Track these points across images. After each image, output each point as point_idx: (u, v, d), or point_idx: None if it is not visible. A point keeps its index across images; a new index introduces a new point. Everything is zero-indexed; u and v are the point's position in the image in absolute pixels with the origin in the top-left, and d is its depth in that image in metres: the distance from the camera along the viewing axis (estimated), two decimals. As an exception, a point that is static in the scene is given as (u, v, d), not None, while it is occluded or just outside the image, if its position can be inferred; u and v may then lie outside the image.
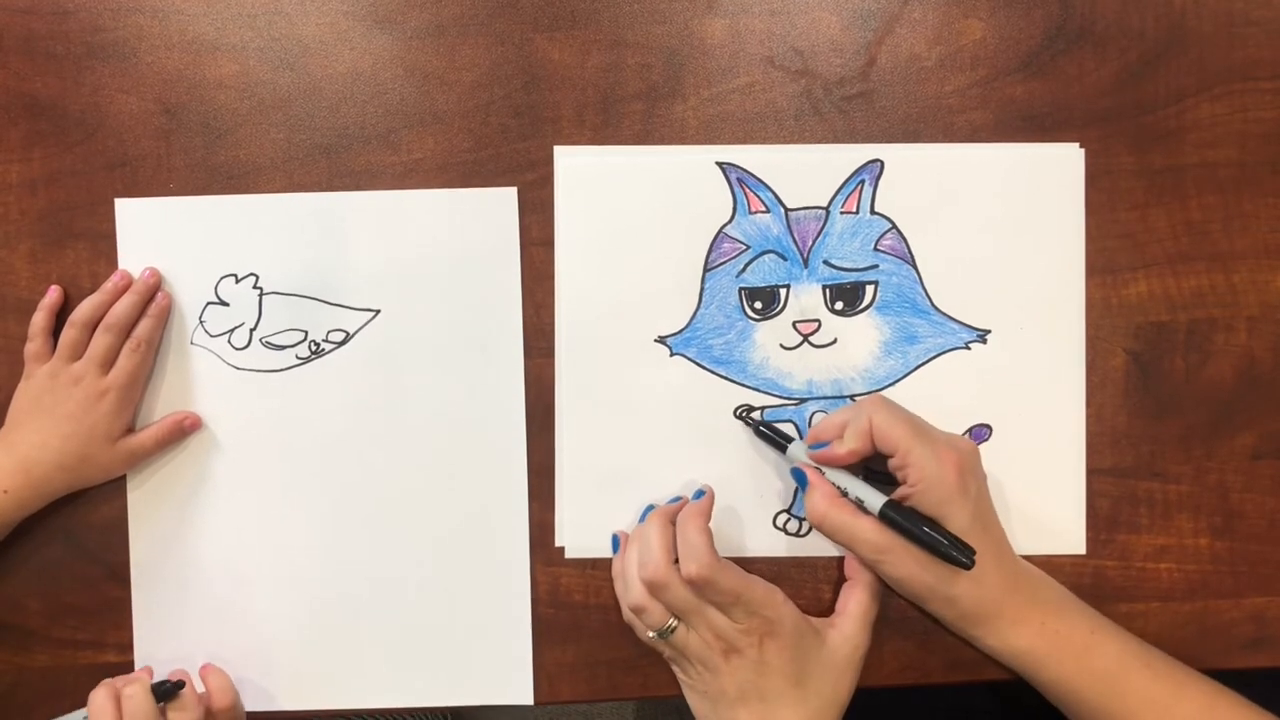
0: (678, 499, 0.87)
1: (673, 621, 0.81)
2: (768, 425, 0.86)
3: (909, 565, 0.78)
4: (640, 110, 0.88)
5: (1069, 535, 0.87)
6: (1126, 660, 0.79)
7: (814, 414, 0.88)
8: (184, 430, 0.89)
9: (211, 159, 0.89)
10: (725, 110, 0.88)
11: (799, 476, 0.83)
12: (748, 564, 0.87)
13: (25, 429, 0.86)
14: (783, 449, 0.85)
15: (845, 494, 0.81)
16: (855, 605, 0.83)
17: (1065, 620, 0.81)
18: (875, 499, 0.79)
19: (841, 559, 0.87)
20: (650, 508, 0.86)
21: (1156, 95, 0.87)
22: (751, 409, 0.88)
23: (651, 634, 0.82)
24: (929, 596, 0.80)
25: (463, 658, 0.89)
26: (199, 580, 0.89)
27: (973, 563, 0.76)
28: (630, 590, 0.82)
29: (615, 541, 0.87)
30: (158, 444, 0.88)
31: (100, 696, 0.82)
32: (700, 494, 0.84)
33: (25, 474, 0.85)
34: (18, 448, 0.86)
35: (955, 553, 0.76)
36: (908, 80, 0.88)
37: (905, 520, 0.77)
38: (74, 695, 0.89)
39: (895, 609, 0.88)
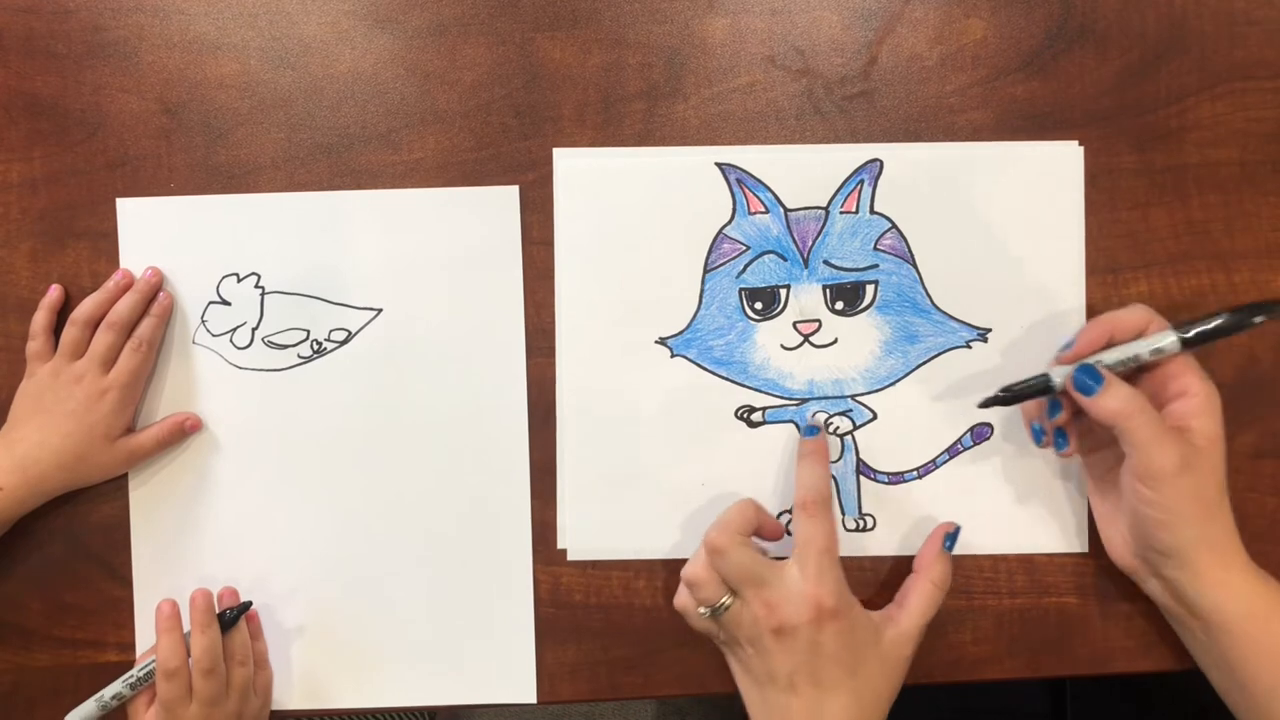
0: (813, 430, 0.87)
1: (727, 599, 0.79)
2: (1017, 387, 0.83)
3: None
4: (641, 110, 0.88)
5: (1070, 534, 0.87)
6: None
7: (815, 413, 0.88)
8: (185, 431, 0.89)
9: (212, 158, 0.89)
10: (726, 110, 0.88)
11: (1085, 383, 0.78)
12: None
13: (26, 427, 0.86)
14: (1048, 389, 0.81)
15: (1129, 362, 0.79)
16: (918, 599, 0.82)
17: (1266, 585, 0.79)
18: (1165, 338, 0.78)
19: (843, 560, 0.87)
20: None
21: (1157, 94, 0.87)
22: (752, 409, 0.88)
23: (704, 610, 0.80)
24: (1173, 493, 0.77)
25: (465, 657, 0.89)
26: (200, 580, 0.89)
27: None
28: (687, 564, 0.81)
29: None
30: (158, 444, 0.88)
31: (167, 646, 0.84)
32: (813, 430, 0.85)
33: (22, 472, 0.85)
34: (17, 446, 0.86)
35: (1269, 303, 0.76)
36: (909, 80, 0.88)
37: (1214, 323, 0.77)
38: (74, 695, 0.89)
39: (896, 609, 0.88)
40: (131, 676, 0.85)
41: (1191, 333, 0.77)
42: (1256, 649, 0.77)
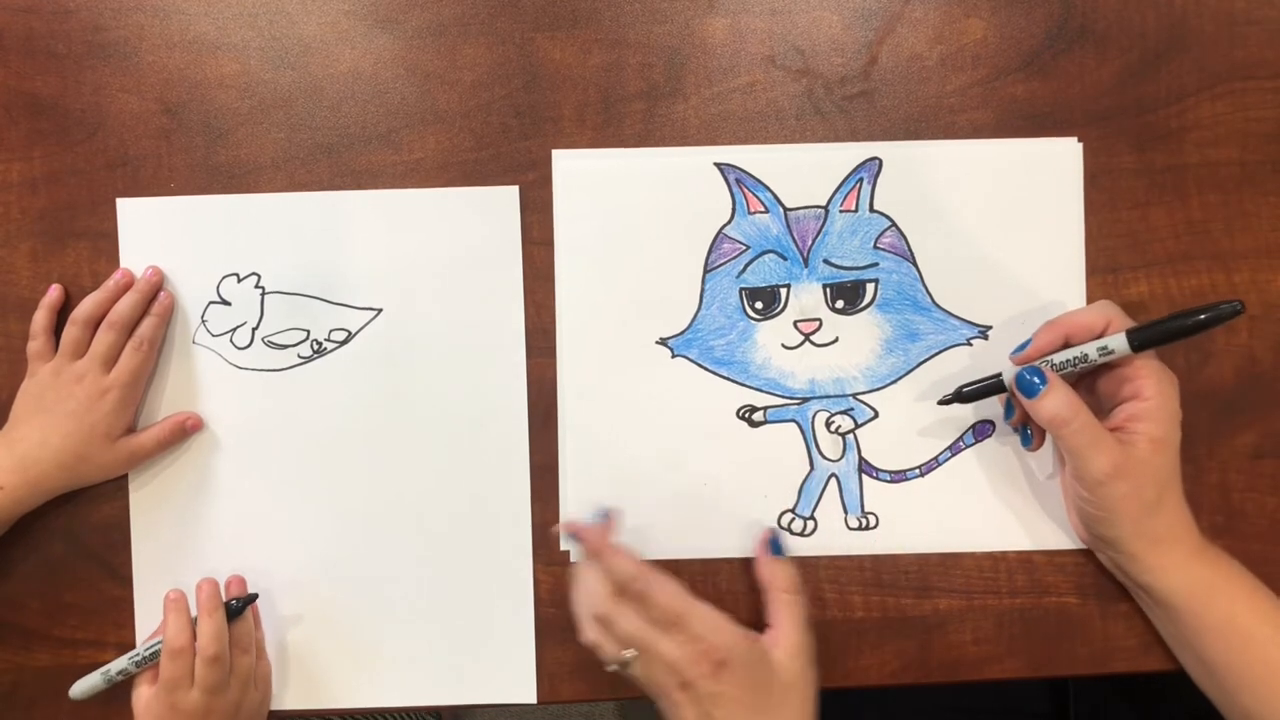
0: (602, 514, 0.86)
1: (629, 654, 0.79)
2: (971, 386, 0.85)
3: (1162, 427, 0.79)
4: (641, 110, 0.88)
5: (1072, 532, 0.87)
6: None
7: (815, 413, 0.88)
8: (185, 431, 0.89)
9: (212, 158, 0.89)
10: (726, 110, 0.88)
11: (1028, 384, 0.80)
12: (750, 566, 0.87)
13: (26, 426, 0.86)
14: (1000, 388, 0.84)
15: (1077, 362, 0.80)
16: (783, 613, 0.82)
17: (1232, 564, 0.81)
18: (1115, 339, 0.78)
19: (845, 559, 0.87)
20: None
21: (1157, 94, 0.87)
22: (754, 409, 0.88)
23: (613, 667, 0.80)
24: (1128, 486, 0.79)
25: (465, 657, 0.89)
26: (199, 580, 0.89)
27: (1242, 306, 0.75)
28: (584, 628, 0.82)
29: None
30: (158, 445, 0.88)
31: (174, 625, 0.84)
32: (603, 515, 0.85)
33: (22, 472, 0.85)
34: (17, 445, 0.86)
35: (1223, 306, 0.75)
36: (909, 80, 0.88)
37: (1164, 323, 0.77)
38: (75, 695, 0.90)
39: (894, 608, 0.88)
40: (137, 654, 0.85)
41: (1139, 335, 0.77)
42: (1201, 625, 0.80)
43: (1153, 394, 0.78)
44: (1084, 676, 0.88)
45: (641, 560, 0.80)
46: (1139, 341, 0.77)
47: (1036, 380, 0.79)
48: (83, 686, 0.86)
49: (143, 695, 0.86)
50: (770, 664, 0.79)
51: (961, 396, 0.84)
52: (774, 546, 0.85)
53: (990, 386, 0.83)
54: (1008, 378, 0.81)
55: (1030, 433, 0.84)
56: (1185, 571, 0.80)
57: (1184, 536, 0.80)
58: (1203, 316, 0.76)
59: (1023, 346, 0.82)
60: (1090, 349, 0.79)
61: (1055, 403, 0.78)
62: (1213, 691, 0.81)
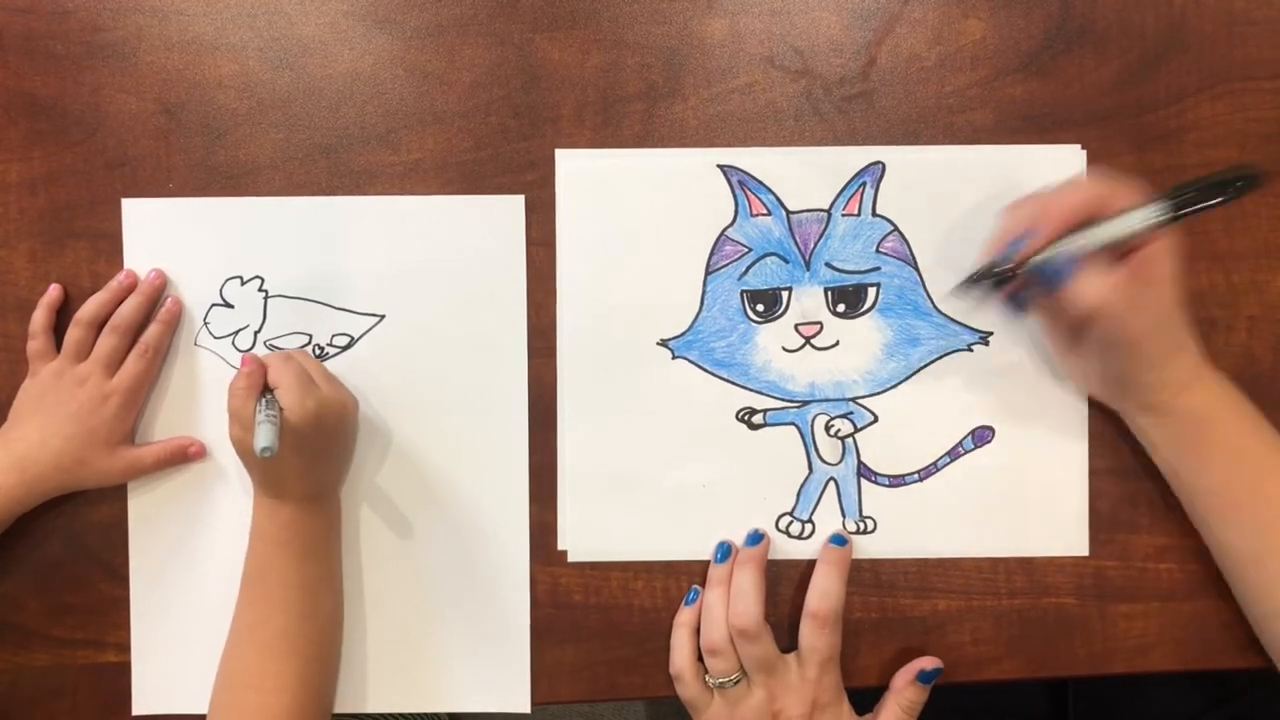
0: (758, 537, 0.87)
1: (738, 675, 0.83)
2: (977, 272, 0.81)
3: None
4: (640, 110, 0.88)
5: (1072, 537, 0.87)
6: None
7: (815, 417, 0.88)
8: (187, 457, 0.89)
9: (211, 159, 0.89)
10: (725, 110, 0.88)
11: (1052, 273, 0.76)
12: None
13: (26, 427, 0.86)
14: (1006, 272, 0.79)
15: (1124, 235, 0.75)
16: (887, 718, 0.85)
17: (1238, 390, 0.81)
18: (1142, 212, 0.73)
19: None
20: (726, 546, 0.87)
21: (1157, 95, 0.87)
22: (753, 411, 0.88)
23: (716, 681, 0.83)
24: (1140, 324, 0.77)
25: (460, 662, 0.89)
26: (199, 581, 0.89)
27: (1261, 177, 0.72)
28: (713, 631, 0.84)
29: (694, 594, 0.88)
30: (157, 464, 0.88)
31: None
32: (756, 539, 0.87)
33: (20, 472, 0.84)
34: (16, 445, 0.85)
35: (1244, 170, 0.72)
36: (908, 80, 0.88)
37: (1187, 188, 0.73)
38: (74, 695, 0.90)
39: (893, 609, 0.88)
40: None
41: (1183, 204, 0.73)
42: (1212, 441, 0.80)
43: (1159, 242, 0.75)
44: (1083, 677, 0.88)
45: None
46: (1181, 212, 0.73)
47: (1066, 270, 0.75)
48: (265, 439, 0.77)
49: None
50: None
51: (973, 281, 0.81)
52: (924, 677, 0.85)
53: (1002, 276, 0.79)
54: (1036, 264, 0.77)
55: (1023, 301, 0.82)
56: (1199, 387, 0.79)
57: (1194, 351, 0.80)
58: (1240, 184, 0.72)
59: (1018, 244, 0.77)
60: (1133, 220, 0.74)
61: (1099, 284, 0.75)
62: (1203, 519, 0.83)
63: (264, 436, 0.75)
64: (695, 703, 0.85)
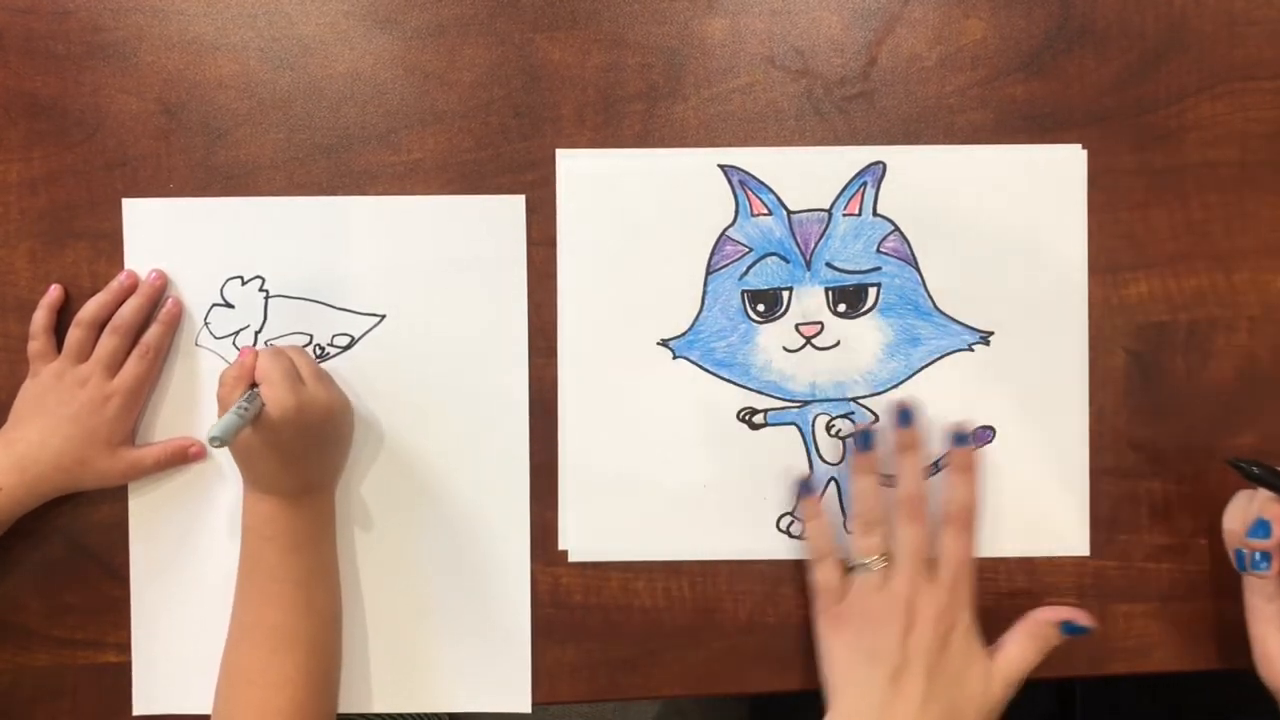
0: (908, 416, 0.86)
1: (882, 558, 0.81)
2: (1267, 469, 0.78)
3: None
4: (640, 110, 0.88)
5: (1073, 537, 0.87)
6: None
7: (816, 417, 0.88)
8: (188, 458, 0.89)
9: (211, 159, 0.89)
10: (726, 110, 0.88)
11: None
12: (750, 566, 0.88)
13: (26, 427, 0.86)
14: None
15: None
16: (1031, 642, 0.82)
17: None
18: None
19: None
20: (867, 434, 0.86)
21: (1157, 95, 0.87)
22: (754, 411, 0.88)
23: (861, 561, 0.82)
24: None
25: (461, 663, 0.89)
26: (199, 581, 0.89)
27: None
28: (871, 505, 0.83)
29: (806, 486, 0.87)
30: (157, 465, 0.88)
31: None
32: (908, 417, 0.86)
33: (20, 473, 0.84)
34: (16, 445, 0.85)
35: None
36: (908, 80, 0.88)
37: None
38: (74, 695, 0.90)
39: (896, 609, 0.88)
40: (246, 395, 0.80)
41: None
42: None
43: None
44: (1083, 678, 0.88)
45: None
46: None
47: None
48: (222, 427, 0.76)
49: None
50: (984, 661, 0.81)
51: (1255, 473, 0.79)
52: (1069, 629, 0.82)
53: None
54: None
55: (1271, 557, 0.78)
56: None
57: None
58: None
59: None
60: None
61: None
62: None
63: (217, 426, 0.74)
64: (831, 589, 0.83)
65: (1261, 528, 0.77)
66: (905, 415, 0.85)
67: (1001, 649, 0.82)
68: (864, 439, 0.85)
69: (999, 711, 0.80)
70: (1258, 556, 0.78)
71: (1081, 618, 0.82)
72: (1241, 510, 0.80)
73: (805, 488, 0.86)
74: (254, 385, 0.80)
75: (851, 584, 0.83)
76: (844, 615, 0.82)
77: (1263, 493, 0.79)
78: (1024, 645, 0.81)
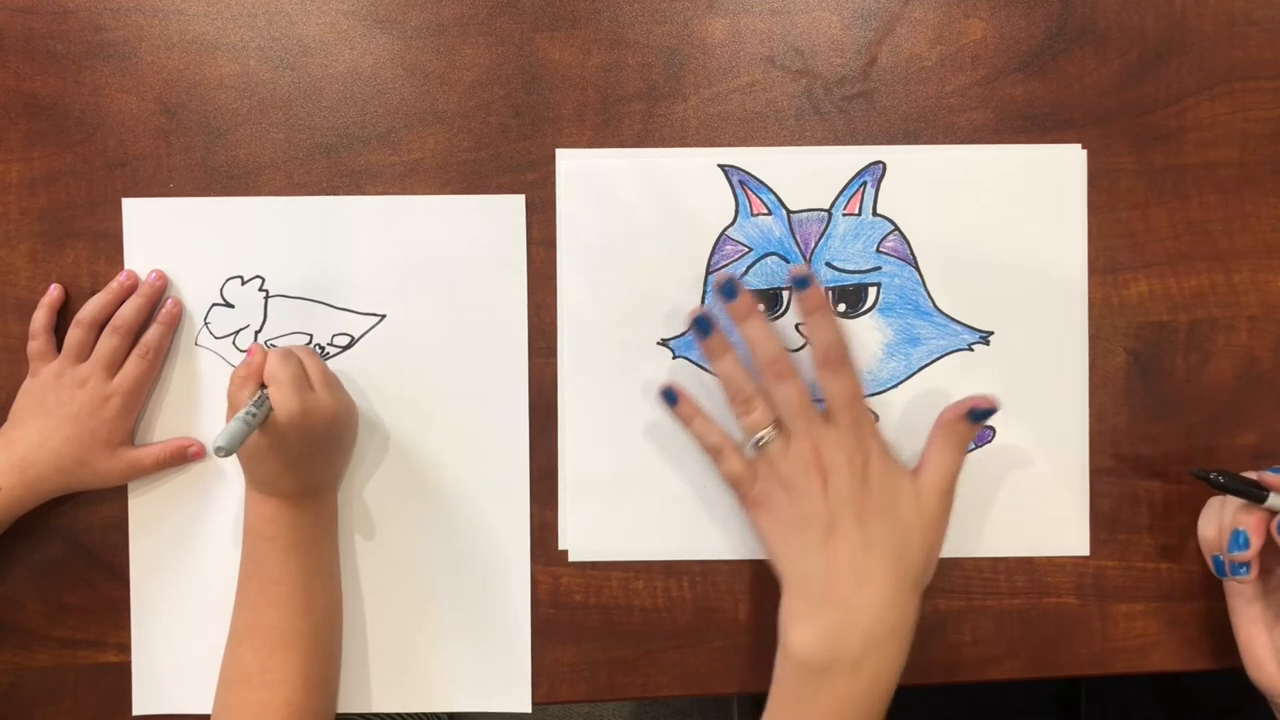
0: (731, 290, 0.82)
1: (772, 431, 0.79)
2: (1233, 478, 0.79)
3: None
4: (640, 110, 0.88)
5: (1073, 537, 0.87)
6: None
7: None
8: (187, 457, 0.89)
9: (211, 159, 0.89)
10: (726, 110, 0.88)
11: None
12: (749, 566, 0.88)
13: (26, 427, 0.86)
14: (1261, 498, 0.78)
15: None
16: (944, 442, 0.80)
17: None
18: None
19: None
20: (702, 319, 0.83)
21: (1157, 95, 0.87)
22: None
23: (755, 439, 0.79)
24: None
25: (461, 663, 0.89)
26: (199, 581, 0.89)
27: None
28: (740, 383, 0.81)
29: (671, 395, 0.85)
30: (157, 464, 0.88)
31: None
32: (731, 291, 0.81)
33: (20, 473, 0.85)
34: (16, 445, 0.85)
35: None
36: (908, 80, 0.88)
37: None
38: (74, 695, 0.90)
39: (896, 609, 0.88)
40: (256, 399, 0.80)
41: None
42: None
43: None
44: (1083, 677, 0.88)
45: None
46: None
47: None
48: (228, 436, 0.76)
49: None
50: (911, 482, 0.79)
51: (1217, 482, 0.79)
52: (975, 415, 0.80)
53: (1249, 493, 0.78)
54: (1273, 503, 0.77)
55: (1250, 565, 0.78)
56: None
57: None
58: None
59: None
60: None
61: None
62: None
63: (223, 435, 0.74)
64: (740, 476, 0.81)
65: (1239, 538, 0.77)
66: (728, 289, 0.82)
67: (923, 463, 0.80)
68: (701, 325, 0.83)
69: (944, 522, 0.79)
70: (1236, 563, 0.78)
71: (981, 402, 0.79)
72: (1215, 517, 0.81)
73: (700, 326, 0.83)
74: (263, 386, 0.80)
75: (759, 465, 0.81)
76: (762, 495, 0.80)
77: (1233, 500, 0.79)
78: (942, 449, 0.80)
